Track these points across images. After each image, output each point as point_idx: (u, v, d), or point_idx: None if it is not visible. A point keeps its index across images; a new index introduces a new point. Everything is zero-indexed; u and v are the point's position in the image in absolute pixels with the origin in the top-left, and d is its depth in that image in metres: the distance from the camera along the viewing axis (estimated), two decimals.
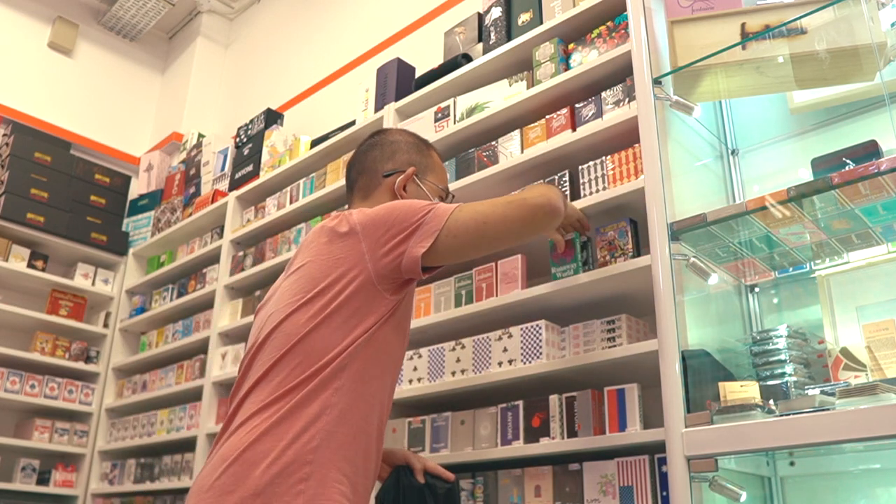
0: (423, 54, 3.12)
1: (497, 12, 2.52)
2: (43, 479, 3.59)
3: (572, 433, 1.79)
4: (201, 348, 3.30)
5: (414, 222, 1.38)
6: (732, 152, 2.02)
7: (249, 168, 3.52)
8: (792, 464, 1.65)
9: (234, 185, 3.57)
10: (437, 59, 2.79)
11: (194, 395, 3.22)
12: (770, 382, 1.58)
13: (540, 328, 1.91)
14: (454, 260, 1.43)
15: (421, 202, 1.42)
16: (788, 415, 1.36)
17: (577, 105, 2.10)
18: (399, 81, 2.84)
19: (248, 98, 4.56)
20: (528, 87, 2.27)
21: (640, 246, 1.84)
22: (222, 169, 3.75)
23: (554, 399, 1.85)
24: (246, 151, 3.62)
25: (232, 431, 1.32)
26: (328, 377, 1.32)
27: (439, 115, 2.50)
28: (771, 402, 1.47)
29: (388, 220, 1.40)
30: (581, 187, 2.00)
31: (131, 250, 4.06)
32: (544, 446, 1.82)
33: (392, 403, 1.50)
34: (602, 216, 1.96)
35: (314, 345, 1.34)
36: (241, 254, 3.22)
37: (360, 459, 1.33)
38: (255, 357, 1.40)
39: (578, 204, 1.95)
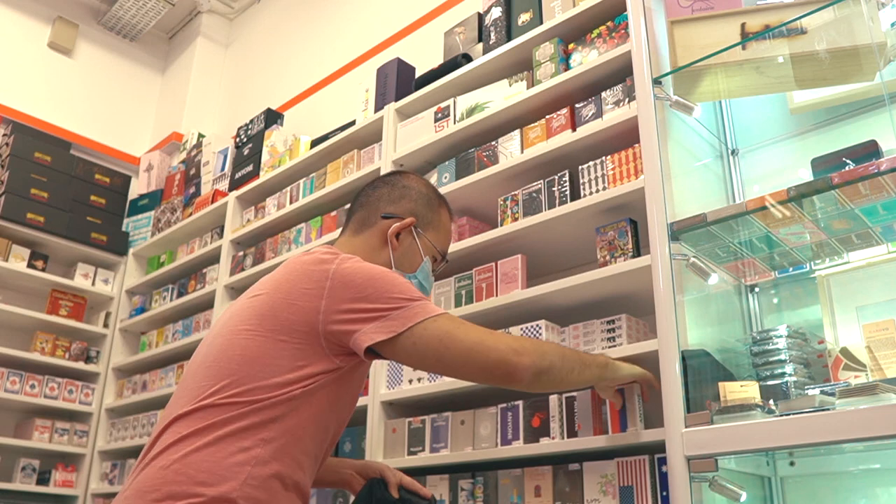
0: (423, 54, 3.12)
1: (497, 12, 2.52)
2: (43, 479, 3.59)
3: (572, 433, 1.79)
4: None
5: (383, 309, 1.28)
6: (732, 152, 2.02)
7: (249, 168, 3.52)
8: (792, 464, 1.65)
9: (234, 185, 3.57)
10: (437, 59, 2.79)
11: None
12: (770, 382, 1.58)
13: (540, 328, 1.91)
14: (403, 363, 1.35)
15: (407, 288, 1.32)
16: (788, 415, 1.36)
17: (577, 105, 2.10)
18: (399, 81, 2.84)
19: (248, 98, 4.56)
20: (528, 87, 2.27)
21: (640, 246, 1.84)
22: (222, 169, 3.75)
23: (554, 399, 1.84)
24: (246, 151, 3.62)
25: (153, 457, 1.25)
26: (258, 422, 1.24)
27: (439, 115, 2.50)
28: (771, 402, 1.47)
29: (361, 288, 1.30)
30: (581, 187, 2.00)
31: (131, 250, 4.05)
32: (544, 446, 1.82)
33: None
34: (602, 216, 1.96)
35: (249, 380, 1.28)
36: (241, 254, 3.21)
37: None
38: (194, 378, 1.34)
39: (578, 204, 1.95)
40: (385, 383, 2.27)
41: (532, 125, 2.20)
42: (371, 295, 1.29)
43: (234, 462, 1.20)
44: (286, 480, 1.27)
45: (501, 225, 2.16)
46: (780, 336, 1.62)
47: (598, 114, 2.03)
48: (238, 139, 3.76)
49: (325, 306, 1.29)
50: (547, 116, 2.17)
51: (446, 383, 2.07)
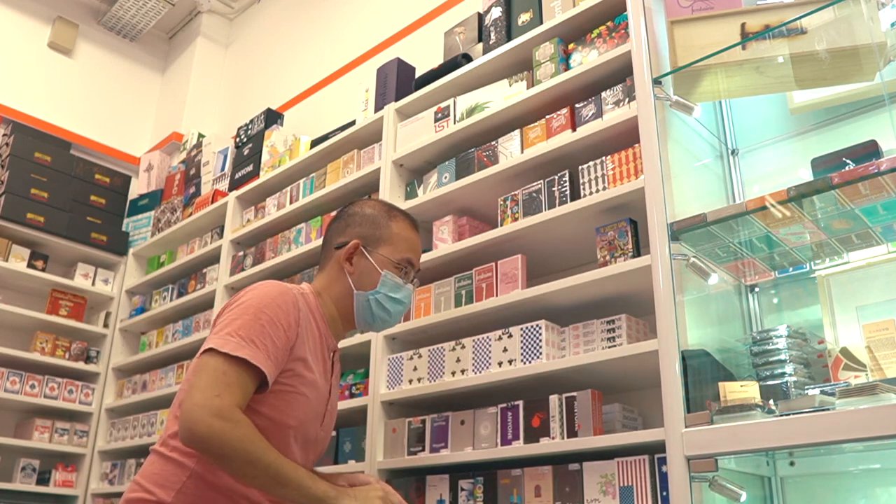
0: (423, 54, 3.12)
1: (497, 12, 2.52)
2: (43, 479, 3.59)
3: (572, 433, 1.79)
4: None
5: (222, 326, 1.40)
6: (732, 152, 2.02)
7: (249, 168, 3.52)
8: (792, 464, 1.65)
9: (234, 185, 3.57)
10: (437, 59, 2.79)
11: None
12: (770, 382, 1.58)
13: (540, 328, 1.91)
14: None
15: (242, 319, 1.40)
16: (788, 415, 1.36)
17: (577, 105, 2.10)
18: (399, 81, 2.84)
19: (248, 98, 4.56)
20: (528, 87, 2.27)
21: (640, 246, 1.84)
22: (222, 169, 3.75)
23: (554, 399, 1.84)
24: (246, 151, 3.62)
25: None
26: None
27: (439, 115, 2.50)
28: (771, 402, 1.47)
29: (226, 310, 1.46)
30: (581, 187, 2.00)
31: (131, 250, 4.05)
32: (544, 446, 1.82)
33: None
34: (602, 216, 1.96)
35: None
36: (241, 254, 3.21)
37: None
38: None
39: (578, 204, 1.95)
40: (385, 383, 2.27)
41: (532, 125, 2.20)
42: (223, 316, 1.45)
43: (171, 473, 1.38)
44: (230, 493, 1.38)
45: (501, 225, 2.16)
46: (780, 336, 1.62)
47: (598, 114, 2.03)
48: (238, 139, 3.76)
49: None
50: (547, 116, 2.17)
51: (446, 383, 2.07)
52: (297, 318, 1.48)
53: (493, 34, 2.51)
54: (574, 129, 2.08)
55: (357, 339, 2.41)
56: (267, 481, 1.32)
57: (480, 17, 2.66)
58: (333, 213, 2.74)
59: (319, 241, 2.76)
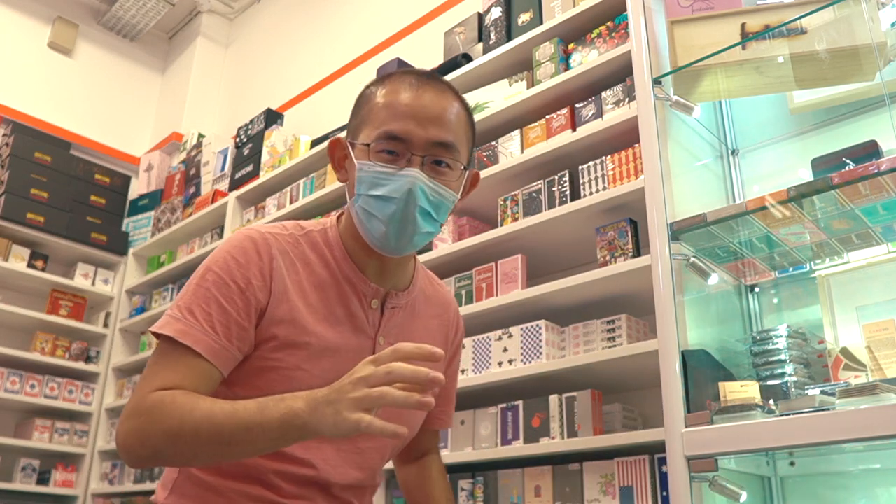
0: (423, 54, 3.12)
1: (497, 12, 2.52)
2: (43, 479, 3.59)
3: (572, 433, 1.79)
4: None
5: (176, 304, 1.12)
6: (732, 152, 2.02)
7: (249, 168, 3.52)
8: (792, 464, 1.64)
9: (234, 185, 3.57)
10: (437, 59, 2.79)
11: None
12: (770, 382, 1.58)
13: (540, 328, 1.91)
14: None
15: (191, 292, 1.11)
16: (788, 415, 1.36)
17: (577, 105, 2.10)
18: None
19: (248, 98, 4.56)
20: (528, 87, 2.27)
21: (640, 246, 1.84)
22: (222, 169, 3.75)
23: (554, 399, 1.84)
24: (246, 151, 3.62)
25: None
26: None
27: None
28: (771, 402, 1.47)
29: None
30: (581, 187, 2.00)
31: (131, 250, 4.06)
32: (544, 446, 1.82)
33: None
34: (602, 216, 1.96)
35: None
36: None
37: None
38: None
39: (578, 204, 1.95)
40: None
41: (532, 125, 2.20)
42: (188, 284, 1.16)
43: (169, 471, 1.29)
44: (222, 490, 1.17)
45: (501, 225, 2.15)
46: (780, 336, 1.62)
47: (598, 114, 2.03)
48: (238, 139, 3.76)
49: None
50: (547, 116, 2.17)
51: None
52: (265, 270, 1.11)
53: (493, 34, 2.51)
54: (574, 129, 2.08)
55: None
56: (210, 450, 1.01)
57: (480, 17, 2.66)
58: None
59: None
